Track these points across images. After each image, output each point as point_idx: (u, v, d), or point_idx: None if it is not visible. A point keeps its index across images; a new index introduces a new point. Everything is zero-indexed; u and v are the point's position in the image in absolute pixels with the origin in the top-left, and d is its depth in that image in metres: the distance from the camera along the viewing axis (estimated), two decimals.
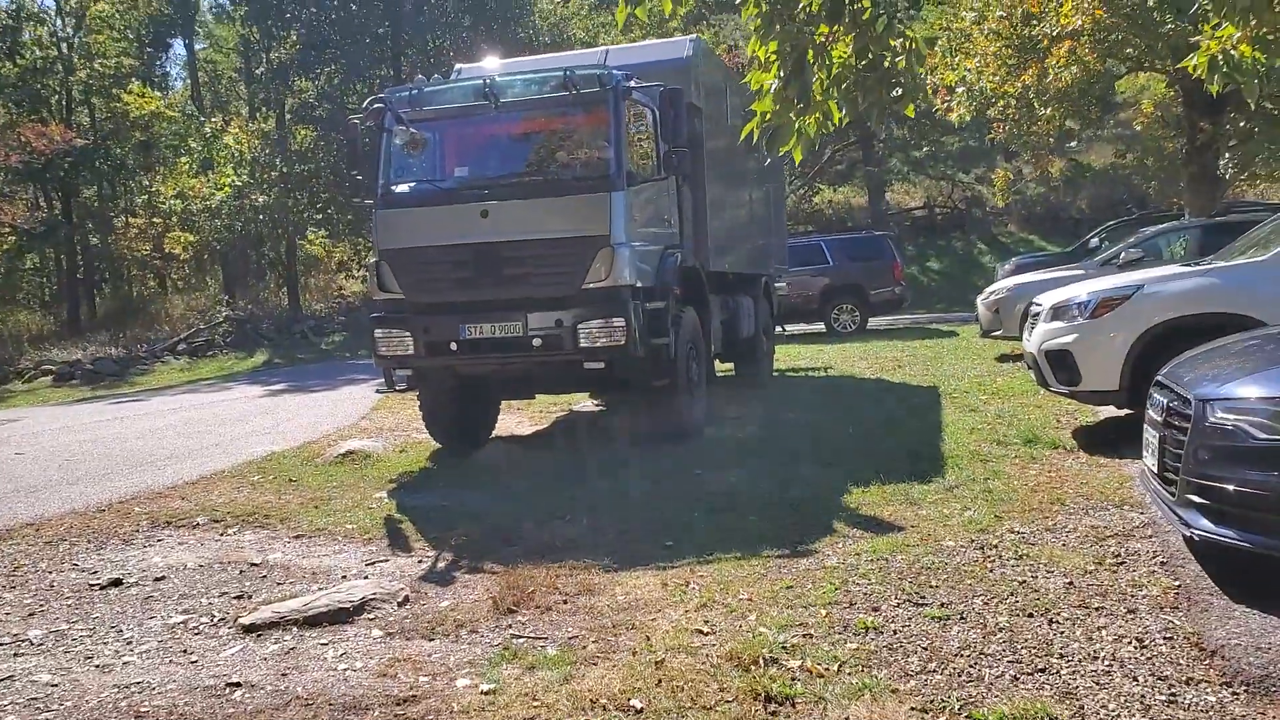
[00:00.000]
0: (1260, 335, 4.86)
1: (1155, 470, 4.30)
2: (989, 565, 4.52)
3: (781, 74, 3.65)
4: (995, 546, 4.77)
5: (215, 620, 4.64)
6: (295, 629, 4.47)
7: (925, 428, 8.23)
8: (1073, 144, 24.45)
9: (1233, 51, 4.15)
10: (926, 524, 5.29)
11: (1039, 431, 7.48)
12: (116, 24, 33.31)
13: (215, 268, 33.41)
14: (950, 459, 6.82)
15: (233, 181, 26.84)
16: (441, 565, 5.44)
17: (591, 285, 7.66)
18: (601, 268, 7.61)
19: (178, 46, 34.94)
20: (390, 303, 8.23)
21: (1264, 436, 3.64)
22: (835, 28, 3.66)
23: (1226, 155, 13.03)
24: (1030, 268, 16.17)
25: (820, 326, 18.87)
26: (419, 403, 9.11)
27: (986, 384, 10.47)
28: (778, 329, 14.35)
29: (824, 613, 4.12)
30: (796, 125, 3.93)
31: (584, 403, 11.59)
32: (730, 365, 12.33)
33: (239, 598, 4.97)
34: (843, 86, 3.82)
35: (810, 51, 3.64)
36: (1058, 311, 7.09)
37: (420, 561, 5.56)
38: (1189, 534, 3.91)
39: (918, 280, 28.98)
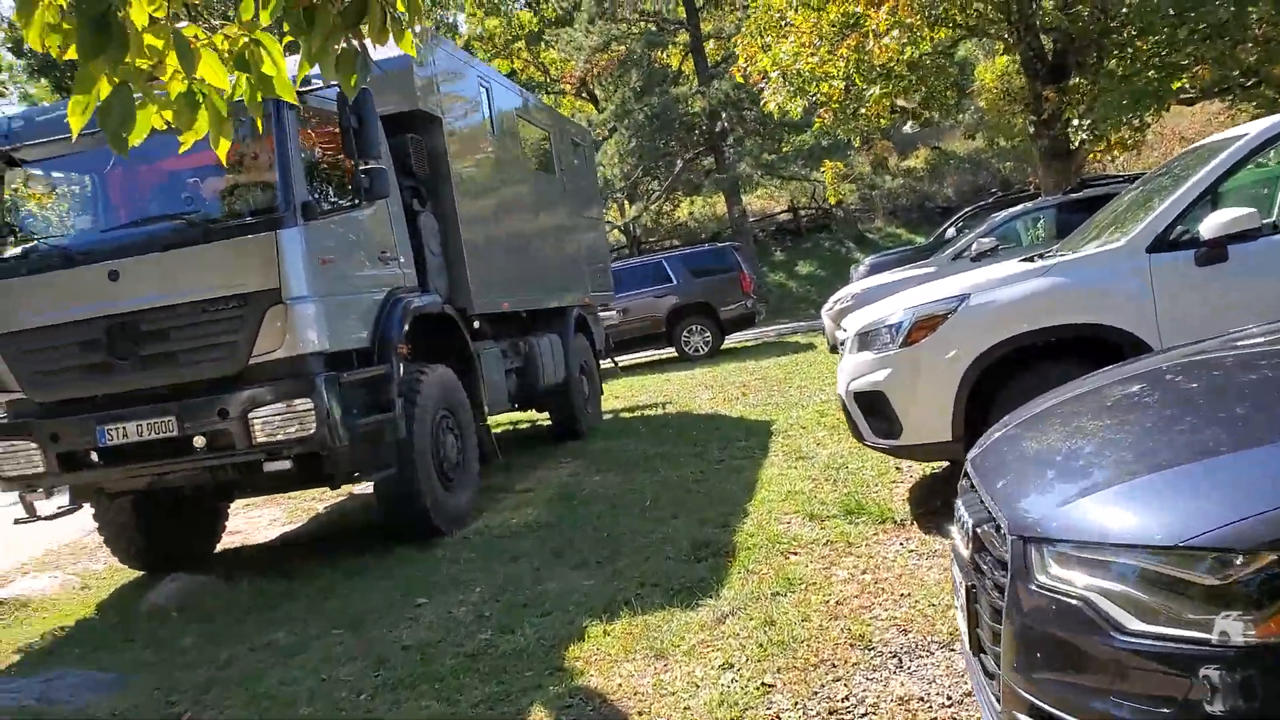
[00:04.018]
0: (1140, 374, 2.88)
1: (967, 640, 2.49)
2: None
3: None
4: None
5: None
6: None
7: (735, 492, 6.45)
8: (907, 128, 23.16)
9: None
10: (661, 708, 3.42)
11: (868, 491, 5.74)
12: None
13: None
14: (743, 552, 5.00)
15: None
16: None
17: (263, 358, 5.68)
18: (275, 333, 5.64)
19: None
20: (11, 405, 6.14)
21: (1138, 628, 1.78)
22: None
23: (1076, 122, 11.72)
24: (887, 266, 14.66)
25: (672, 351, 17.05)
26: (96, 524, 6.98)
27: (829, 413, 8.80)
28: (609, 363, 12.53)
29: None
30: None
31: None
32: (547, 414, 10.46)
33: None
34: (288, 28, 1.99)
35: None
36: (865, 339, 5.17)
37: None
38: None
39: (785, 287, 27.56)
